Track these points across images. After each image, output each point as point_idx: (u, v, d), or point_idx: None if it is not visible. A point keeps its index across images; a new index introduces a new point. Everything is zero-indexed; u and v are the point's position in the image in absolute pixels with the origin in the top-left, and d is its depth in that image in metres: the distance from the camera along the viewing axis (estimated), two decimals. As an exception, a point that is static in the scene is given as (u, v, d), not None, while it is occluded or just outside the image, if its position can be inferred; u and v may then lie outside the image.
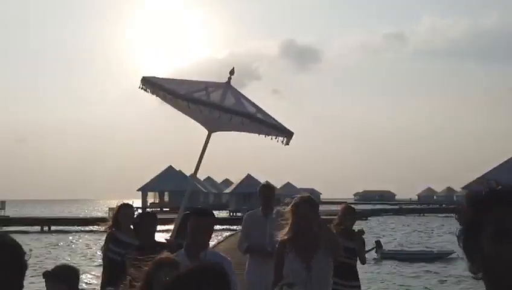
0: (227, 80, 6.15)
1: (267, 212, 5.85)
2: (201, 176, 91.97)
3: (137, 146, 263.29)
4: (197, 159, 5.59)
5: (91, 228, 39.88)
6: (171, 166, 77.15)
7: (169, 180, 73.23)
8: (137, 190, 75.31)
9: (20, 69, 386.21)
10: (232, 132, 6.43)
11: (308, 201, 4.14)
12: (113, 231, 5.67)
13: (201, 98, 5.59)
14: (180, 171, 76.58)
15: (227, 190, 74.18)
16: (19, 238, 1.90)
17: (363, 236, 6.37)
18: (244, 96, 6.15)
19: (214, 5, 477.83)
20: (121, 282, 4.21)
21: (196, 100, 5.49)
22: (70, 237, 36.25)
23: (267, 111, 6.22)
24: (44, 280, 3.27)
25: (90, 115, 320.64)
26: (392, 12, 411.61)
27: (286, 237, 4.04)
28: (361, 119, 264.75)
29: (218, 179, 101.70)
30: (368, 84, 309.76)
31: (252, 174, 70.86)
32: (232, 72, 6.21)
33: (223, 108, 5.47)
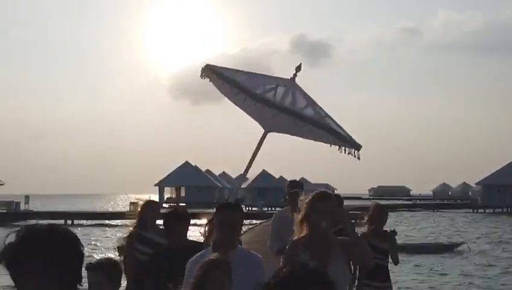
0: (292, 76, 5.50)
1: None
2: (216, 171, 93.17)
3: (154, 141, 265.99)
4: (250, 158, 5.21)
5: (114, 222, 41.29)
6: (187, 161, 78.41)
7: (185, 176, 74.48)
8: (155, 185, 76.70)
9: (36, 66, 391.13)
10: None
11: (331, 196, 3.80)
12: (138, 230, 5.35)
13: (271, 100, 5.05)
14: (196, 167, 77.87)
15: (243, 185, 75.26)
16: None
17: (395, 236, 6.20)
18: (308, 96, 5.50)
19: (226, 1, 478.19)
20: (151, 285, 4.17)
21: (268, 102, 4.99)
22: (93, 231, 37.56)
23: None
24: (86, 271, 3.15)
25: (107, 110, 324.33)
26: (407, 7, 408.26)
27: (300, 236, 3.69)
28: (375, 114, 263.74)
29: (233, 174, 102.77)
30: (382, 79, 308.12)
31: (267, 170, 72.01)
32: (298, 69, 5.54)
33: (297, 114, 4.99)
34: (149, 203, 5.57)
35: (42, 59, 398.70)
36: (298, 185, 5.83)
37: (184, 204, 67.84)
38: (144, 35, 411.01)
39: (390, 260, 6.20)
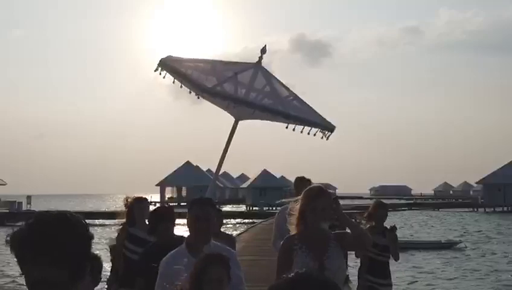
0: (257, 59, 5.50)
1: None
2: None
3: (156, 141, 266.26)
4: (223, 149, 5.06)
5: (114, 221, 41.51)
6: (188, 161, 78.54)
7: (186, 176, 74.58)
8: (156, 185, 76.86)
9: (38, 67, 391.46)
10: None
11: (326, 192, 3.62)
12: (127, 227, 5.23)
13: (229, 93, 4.96)
14: (197, 167, 78.02)
15: (244, 185, 75.39)
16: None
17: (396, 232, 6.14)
18: (275, 78, 5.40)
19: (227, 1, 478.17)
20: (140, 284, 4.10)
21: (225, 95, 4.87)
22: (94, 230, 37.73)
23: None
24: None
25: (108, 110, 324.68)
26: (409, 6, 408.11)
27: (295, 231, 3.56)
28: (376, 113, 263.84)
29: (235, 174, 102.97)
30: (384, 79, 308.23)
31: (268, 169, 72.15)
32: (263, 51, 5.12)
33: (252, 105, 4.83)
34: (137, 200, 5.33)
35: (44, 59, 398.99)
36: (306, 182, 5.62)
37: (185, 203, 68.04)
38: (144, 35, 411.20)
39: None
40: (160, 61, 4.50)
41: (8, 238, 1.49)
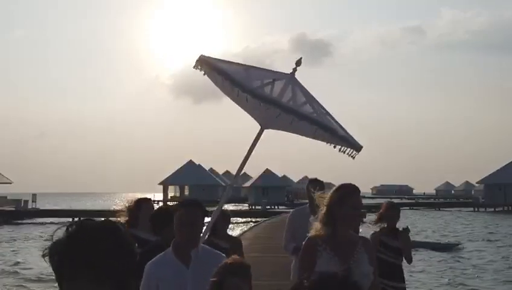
0: (291, 71, 5.30)
1: (316, 211, 4.77)
2: (220, 170, 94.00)
3: (159, 140, 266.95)
4: (244, 157, 5.05)
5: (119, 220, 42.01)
6: (191, 160, 79.09)
7: (189, 174, 75.14)
8: (159, 184, 77.42)
9: (38, 67, 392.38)
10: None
11: (359, 191, 3.42)
12: (129, 229, 4.93)
13: (265, 95, 4.89)
14: (200, 166, 78.56)
15: (246, 184, 75.91)
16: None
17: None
18: (307, 91, 5.38)
19: (229, 1, 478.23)
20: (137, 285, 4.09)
21: (262, 97, 4.78)
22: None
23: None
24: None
25: (111, 110, 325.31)
26: (410, 6, 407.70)
27: (321, 232, 3.33)
28: (377, 113, 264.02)
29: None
30: (385, 78, 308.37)
31: (270, 169, 72.69)
32: (298, 63, 5.30)
33: (296, 113, 4.83)
34: (143, 201, 5.32)
35: (44, 59, 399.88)
36: (319, 185, 5.53)
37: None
38: (146, 35, 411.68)
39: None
40: (199, 58, 4.51)
41: (47, 249, 1.37)
